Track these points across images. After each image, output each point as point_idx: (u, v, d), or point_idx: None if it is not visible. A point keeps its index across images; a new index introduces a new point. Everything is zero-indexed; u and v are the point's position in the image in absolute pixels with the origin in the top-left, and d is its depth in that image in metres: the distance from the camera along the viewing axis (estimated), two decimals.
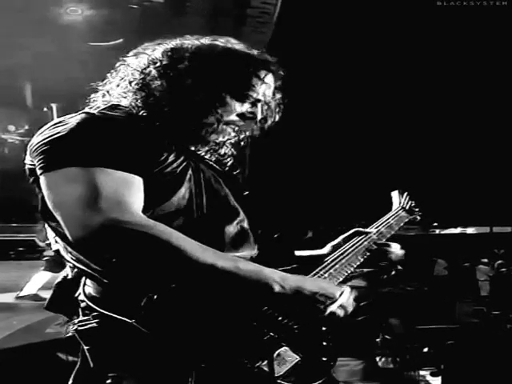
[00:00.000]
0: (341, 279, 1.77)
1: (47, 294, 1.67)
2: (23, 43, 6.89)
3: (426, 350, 5.06)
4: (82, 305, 1.52)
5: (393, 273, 2.07)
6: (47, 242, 1.71)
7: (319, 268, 1.76)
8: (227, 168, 1.86)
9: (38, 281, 6.80)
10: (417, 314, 5.45)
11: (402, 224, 2.23)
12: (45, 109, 7.74)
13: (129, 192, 1.45)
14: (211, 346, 1.41)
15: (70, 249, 1.55)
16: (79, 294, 1.53)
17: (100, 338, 1.46)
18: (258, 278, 1.44)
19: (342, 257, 1.86)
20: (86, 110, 1.66)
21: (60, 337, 1.63)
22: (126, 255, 1.41)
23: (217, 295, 1.44)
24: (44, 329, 4.33)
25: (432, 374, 4.84)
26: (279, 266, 1.59)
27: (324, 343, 1.64)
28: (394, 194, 2.35)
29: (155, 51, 1.72)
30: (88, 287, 1.52)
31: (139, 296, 1.41)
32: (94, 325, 1.47)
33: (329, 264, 1.80)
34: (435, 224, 10.57)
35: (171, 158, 1.58)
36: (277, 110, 1.84)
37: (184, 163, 1.61)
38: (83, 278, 1.54)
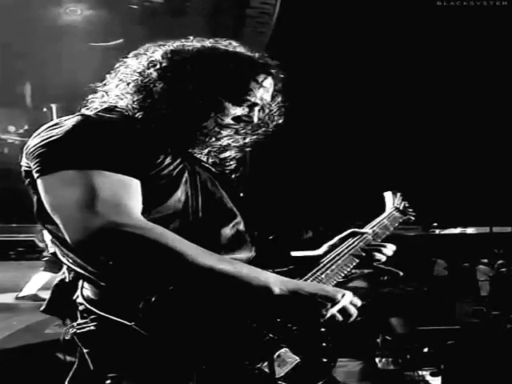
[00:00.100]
0: (337, 280, 1.77)
1: (47, 295, 1.67)
2: (22, 43, 6.88)
3: (425, 350, 5.06)
4: (81, 307, 1.51)
5: (400, 274, 2.07)
6: (46, 243, 1.71)
7: (316, 269, 1.76)
8: (228, 171, 1.86)
9: (38, 281, 6.80)
10: (417, 315, 5.45)
11: (396, 224, 2.23)
12: (44, 109, 7.73)
13: (127, 195, 1.45)
14: (211, 347, 1.41)
15: (66, 251, 1.54)
16: (77, 296, 1.53)
17: (99, 341, 1.46)
18: (258, 280, 1.44)
19: (337, 258, 1.86)
20: (83, 111, 1.65)
21: (59, 337, 1.62)
22: (124, 258, 1.40)
23: (216, 297, 1.44)
24: (43, 329, 4.32)
25: (432, 374, 4.84)
26: (275, 267, 1.58)
27: (324, 344, 1.63)
28: (387, 195, 2.35)
29: (155, 53, 1.71)
30: (86, 290, 1.51)
31: (137, 298, 1.41)
32: (93, 327, 1.46)
33: (325, 265, 1.80)
34: (435, 224, 10.57)
35: (167, 160, 1.58)
36: (278, 113, 1.84)
37: (180, 166, 1.61)
38: (81, 281, 1.54)
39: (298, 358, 1.53)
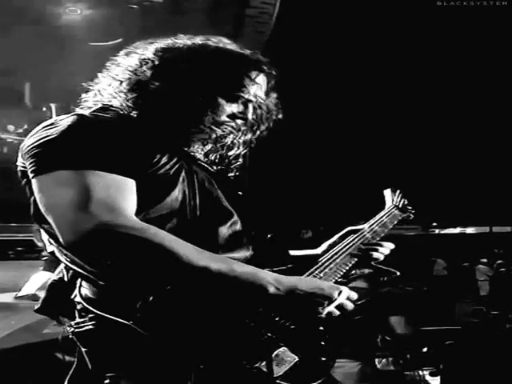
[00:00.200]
0: (336, 278, 1.77)
1: None
2: (22, 43, 6.88)
3: (425, 349, 5.06)
4: (79, 306, 1.51)
5: (397, 274, 2.07)
6: (44, 242, 1.71)
7: (314, 268, 1.76)
8: (228, 169, 1.86)
9: (37, 281, 6.79)
10: (416, 314, 5.45)
11: (395, 222, 2.23)
12: (44, 109, 7.73)
13: (121, 195, 1.44)
14: (210, 347, 1.41)
15: (64, 251, 1.54)
16: (75, 295, 1.53)
17: (97, 340, 1.46)
18: (253, 279, 1.44)
19: (336, 256, 1.86)
20: (78, 111, 1.65)
21: (58, 337, 1.62)
22: (118, 258, 1.40)
23: (213, 297, 1.44)
24: (42, 329, 4.32)
25: (431, 374, 4.84)
26: (274, 266, 1.59)
27: (322, 343, 1.64)
28: (387, 193, 2.35)
29: (146, 51, 1.71)
30: (84, 289, 1.51)
31: (135, 298, 1.41)
32: (91, 326, 1.46)
33: (323, 263, 1.80)
34: (434, 224, 10.56)
35: (164, 159, 1.58)
36: (275, 109, 1.84)
37: (177, 165, 1.61)
38: (79, 280, 1.53)
39: (296, 357, 1.53)
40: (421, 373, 4.81)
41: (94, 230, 1.36)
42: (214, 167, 1.81)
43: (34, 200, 1.52)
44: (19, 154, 1.57)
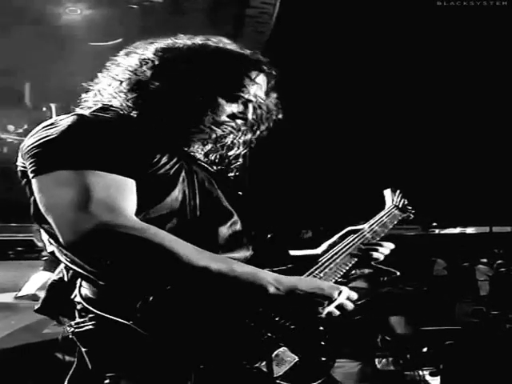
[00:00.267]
0: (336, 278, 1.77)
1: None
2: (22, 43, 6.88)
3: (425, 349, 5.06)
4: (79, 306, 1.51)
5: (397, 274, 2.06)
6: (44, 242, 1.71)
7: (314, 268, 1.76)
8: (228, 169, 1.86)
9: (37, 281, 6.79)
10: (416, 314, 5.45)
11: (395, 222, 2.22)
12: (44, 108, 7.72)
13: (121, 195, 1.44)
14: (210, 347, 1.41)
15: (64, 251, 1.54)
16: (75, 295, 1.53)
17: (97, 340, 1.46)
18: (253, 279, 1.44)
19: (336, 256, 1.86)
20: (78, 111, 1.65)
21: (58, 337, 1.62)
22: (119, 258, 1.40)
23: (213, 297, 1.44)
24: (42, 329, 4.32)
25: (431, 374, 4.84)
26: (274, 266, 1.59)
27: (322, 343, 1.63)
28: (387, 193, 2.34)
29: (146, 51, 1.71)
30: (84, 289, 1.51)
31: (135, 298, 1.40)
32: (91, 326, 1.46)
33: (323, 263, 1.80)
34: (434, 224, 10.56)
35: (164, 159, 1.58)
36: (275, 109, 1.84)
37: (177, 165, 1.60)
38: (79, 280, 1.53)
39: (296, 357, 1.53)
40: (421, 373, 4.81)
41: (94, 230, 1.36)
42: (214, 167, 1.81)
43: (34, 200, 1.52)
44: (19, 154, 1.57)
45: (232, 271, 1.42)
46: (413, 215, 2.35)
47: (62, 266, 1.63)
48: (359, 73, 8.49)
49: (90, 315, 1.46)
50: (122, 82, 1.67)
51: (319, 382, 1.59)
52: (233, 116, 1.72)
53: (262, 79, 1.75)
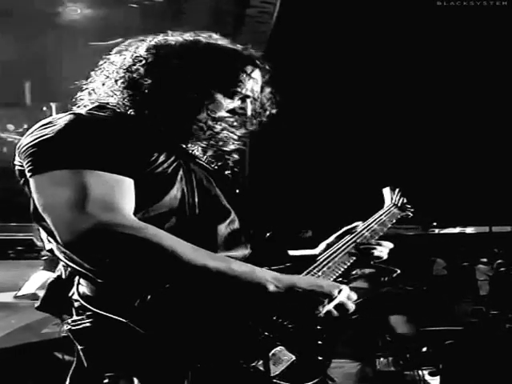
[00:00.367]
0: (334, 277, 1.76)
1: None
2: (22, 42, 6.88)
3: (424, 349, 5.06)
4: (76, 304, 1.51)
5: (394, 275, 2.06)
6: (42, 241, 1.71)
7: (312, 266, 1.75)
8: (225, 166, 1.86)
9: (37, 280, 6.78)
10: (416, 314, 5.45)
11: (394, 221, 2.21)
12: (44, 108, 7.72)
13: (119, 194, 1.44)
14: (207, 346, 1.41)
15: (63, 249, 1.54)
16: (73, 293, 1.53)
17: (94, 338, 1.46)
18: (251, 278, 1.44)
19: (335, 255, 1.86)
20: (75, 110, 1.65)
21: (58, 336, 1.62)
22: (117, 258, 1.40)
23: (211, 295, 1.44)
24: (42, 328, 4.32)
25: (431, 374, 4.84)
26: (272, 265, 1.58)
27: (319, 342, 1.63)
28: (386, 191, 2.33)
29: (139, 48, 1.70)
30: (82, 286, 1.51)
31: (133, 296, 1.40)
32: (88, 324, 1.46)
33: (322, 262, 1.80)
34: (434, 223, 10.55)
35: (162, 158, 1.57)
36: (269, 103, 1.84)
37: (175, 163, 1.60)
38: (77, 278, 1.53)
39: (293, 356, 1.52)
40: (420, 372, 4.81)
41: (91, 230, 1.35)
42: (213, 165, 1.81)
43: (33, 199, 1.52)
44: (16, 153, 1.56)
45: (230, 270, 1.42)
46: (412, 214, 2.34)
47: (61, 264, 1.63)
48: (359, 72, 8.49)
49: (88, 313, 1.46)
50: (117, 80, 1.67)
51: (316, 381, 1.59)
52: (232, 111, 1.72)
53: (257, 74, 1.75)
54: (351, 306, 1.54)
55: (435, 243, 10.17)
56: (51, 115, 1.66)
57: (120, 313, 1.39)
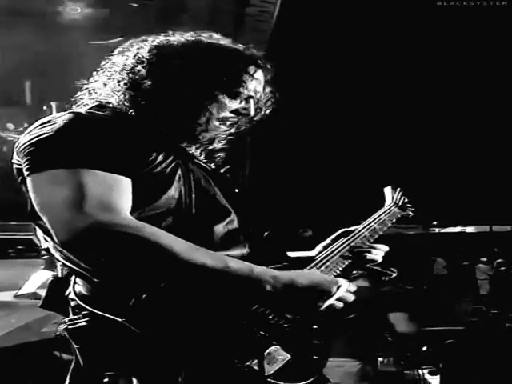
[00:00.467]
0: (332, 276, 1.76)
1: None
2: (22, 41, 6.88)
3: (424, 348, 5.06)
4: (72, 303, 1.50)
5: (393, 275, 2.05)
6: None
7: (310, 266, 1.75)
8: (218, 164, 1.85)
9: (37, 279, 6.79)
10: (416, 313, 5.45)
11: (394, 220, 2.20)
12: (44, 107, 7.72)
13: (116, 194, 1.43)
14: (201, 345, 1.40)
15: (59, 248, 1.53)
16: (69, 292, 1.52)
17: (90, 337, 1.45)
18: (249, 276, 1.43)
19: (332, 255, 1.85)
20: (74, 109, 1.64)
21: (57, 335, 1.62)
22: (114, 257, 1.39)
23: (207, 294, 1.43)
24: (42, 327, 4.32)
25: (431, 373, 4.84)
26: (270, 264, 1.58)
27: (315, 341, 1.63)
28: (387, 190, 2.32)
29: (141, 49, 1.69)
30: (78, 286, 1.50)
31: (129, 295, 1.40)
32: (84, 324, 1.45)
33: (320, 261, 1.79)
34: (435, 223, 10.56)
35: (160, 157, 1.57)
36: (268, 103, 1.83)
37: (173, 163, 1.59)
38: (73, 277, 1.53)
39: (288, 355, 1.52)
40: (420, 372, 4.81)
41: (88, 229, 1.35)
42: (212, 165, 1.81)
43: (30, 197, 1.51)
44: (14, 151, 1.56)
45: (228, 268, 1.41)
46: (412, 213, 2.33)
47: (58, 263, 1.62)
48: (359, 72, 8.50)
49: (84, 312, 1.46)
50: (119, 81, 1.66)
51: (311, 380, 1.58)
52: (236, 112, 1.71)
53: (260, 74, 1.74)
54: (351, 298, 1.54)
55: (435, 242, 10.17)
56: (51, 114, 1.65)
57: (116, 312, 1.39)
